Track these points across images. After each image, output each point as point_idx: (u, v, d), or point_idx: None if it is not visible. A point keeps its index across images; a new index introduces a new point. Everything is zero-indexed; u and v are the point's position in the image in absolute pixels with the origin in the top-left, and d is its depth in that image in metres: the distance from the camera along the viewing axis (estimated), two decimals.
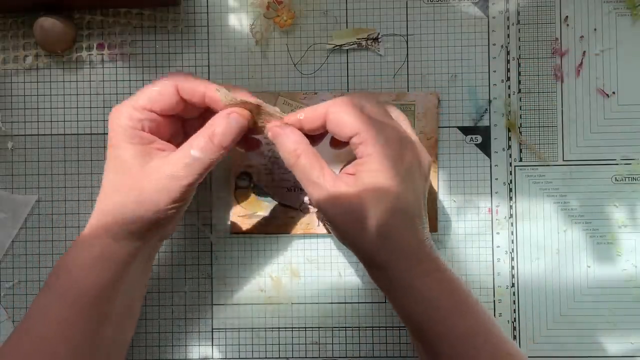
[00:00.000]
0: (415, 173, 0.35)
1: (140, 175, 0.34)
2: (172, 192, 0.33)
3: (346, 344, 0.44)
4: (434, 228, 0.43)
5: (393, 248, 0.34)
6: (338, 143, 0.38)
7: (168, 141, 0.36)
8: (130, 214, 0.34)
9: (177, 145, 0.35)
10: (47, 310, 0.34)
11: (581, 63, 0.43)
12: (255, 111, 0.35)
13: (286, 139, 0.35)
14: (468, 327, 0.34)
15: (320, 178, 0.34)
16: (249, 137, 0.39)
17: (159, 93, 0.35)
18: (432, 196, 0.43)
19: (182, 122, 0.38)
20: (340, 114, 0.34)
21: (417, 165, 0.35)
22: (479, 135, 0.43)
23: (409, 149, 0.35)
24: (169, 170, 0.33)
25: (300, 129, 0.36)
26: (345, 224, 0.34)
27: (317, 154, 0.35)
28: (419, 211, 0.35)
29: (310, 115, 0.35)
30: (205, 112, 0.37)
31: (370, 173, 0.33)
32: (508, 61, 0.43)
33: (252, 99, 0.35)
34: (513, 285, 0.43)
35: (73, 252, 0.34)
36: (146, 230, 0.34)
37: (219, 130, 0.34)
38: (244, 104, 0.35)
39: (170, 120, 0.37)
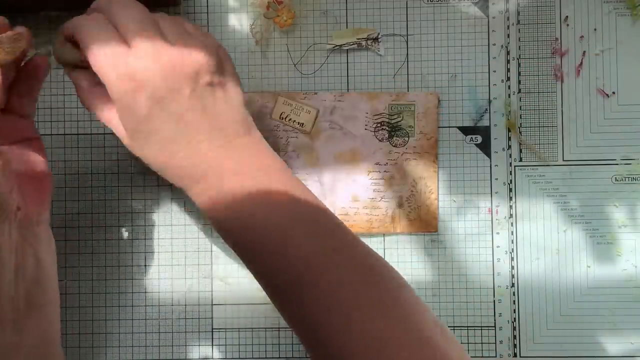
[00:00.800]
0: (160, 104, 0.32)
1: None
2: None
3: None
4: (434, 228, 0.43)
5: (174, 176, 0.34)
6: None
7: None
8: None
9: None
10: None
11: (581, 63, 0.43)
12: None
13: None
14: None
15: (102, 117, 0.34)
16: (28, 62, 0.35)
17: None
18: (432, 196, 0.43)
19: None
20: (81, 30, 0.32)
21: (160, 94, 0.32)
22: (479, 135, 0.43)
23: (147, 86, 0.32)
24: None
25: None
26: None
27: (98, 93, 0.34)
28: (188, 129, 0.33)
29: (67, 27, 0.33)
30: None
31: (117, 111, 0.33)
32: (508, 61, 0.43)
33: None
34: (513, 285, 0.43)
35: None
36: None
37: None
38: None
39: None
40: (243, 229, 0.33)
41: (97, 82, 0.33)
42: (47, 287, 0.35)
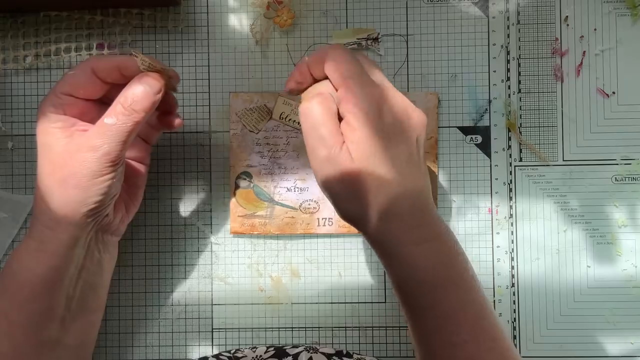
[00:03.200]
0: (401, 134, 0.34)
1: (64, 156, 0.34)
2: (91, 164, 0.33)
3: (346, 344, 0.44)
4: None
5: (384, 215, 0.33)
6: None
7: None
8: (58, 198, 0.34)
9: None
10: None
11: (581, 63, 0.43)
12: (167, 79, 0.36)
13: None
14: (456, 303, 0.33)
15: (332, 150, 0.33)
16: (167, 115, 0.38)
17: (74, 76, 0.35)
18: (432, 195, 0.43)
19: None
20: (333, 58, 0.34)
21: (407, 125, 0.34)
22: (479, 135, 0.43)
23: (392, 111, 0.34)
24: (87, 143, 0.34)
25: (312, 75, 0.36)
26: (337, 190, 0.34)
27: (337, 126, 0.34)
28: (418, 181, 0.34)
29: (313, 57, 0.35)
30: None
31: (356, 143, 0.33)
32: (508, 61, 0.43)
33: (165, 66, 0.36)
34: (513, 285, 0.43)
35: (17, 249, 0.35)
36: (77, 215, 0.34)
37: (130, 93, 0.34)
38: (159, 70, 0.35)
39: (95, 105, 0.36)
40: (429, 285, 0.34)
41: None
42: (100, 295, 0.39)
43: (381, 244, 0.34)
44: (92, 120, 0.36)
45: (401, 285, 0.34)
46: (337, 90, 0.34)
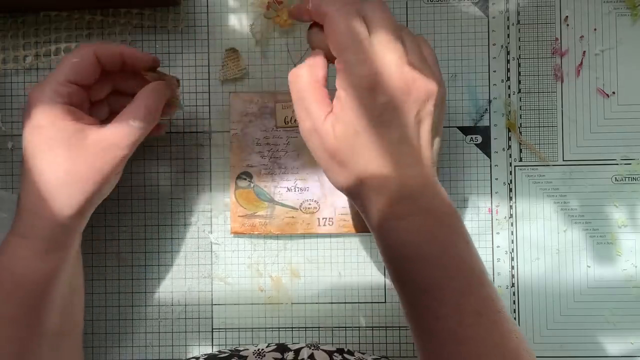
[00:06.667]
0: (394, 112, 0.32)
1: (78, 153, 0.34)
2: (116, 162, 0.34)
3: (346, 344, 0.44)
4: None
5: (370, 189, 0.33)
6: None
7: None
8: (74, 194, 0.34)
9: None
10: None
11: (581, 63, 0.43)
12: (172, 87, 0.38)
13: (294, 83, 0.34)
14: (436, 278, 0.32)
15: (313, 107, 0.33)
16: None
17: (80, 63, 0.35)
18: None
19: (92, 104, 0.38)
20: (330, 25, 0.32)
21: (397, 103, 0.32)
22: (479, 135, 0.43)
23: (388, 88, 0.32)
24: (111, 142, 0.34)
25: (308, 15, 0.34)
26: (324, 161, 0.33)
27: (323, 88, 0.34)
28: (409, 160, 0.32)
29: (313, 12, 0.33)
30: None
31: (342, 106, 0.32)
32: (508, 61, 0.43)
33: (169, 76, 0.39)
34: (513, 285, 0.43)
35: (11, 251, 0.34)
36: (87, 208, 0.35)
37: (151, 99, 0.35)
38: (165, 78, 0.38)
39: (86, 94, 0.37)
40: (420, 265, 0.32)
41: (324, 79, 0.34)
42: (81, 273, 0.39)
43: (367, 216, 0.34)
44: (83, 110, 0.36)
45: (387, 259, 0.34)
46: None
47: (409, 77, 0.32)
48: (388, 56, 0.32)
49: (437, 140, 0.34)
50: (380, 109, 0.31)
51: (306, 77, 0.33)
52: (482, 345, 0.31)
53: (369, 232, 0.42)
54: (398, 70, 0.31)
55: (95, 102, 0.38)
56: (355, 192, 0.33)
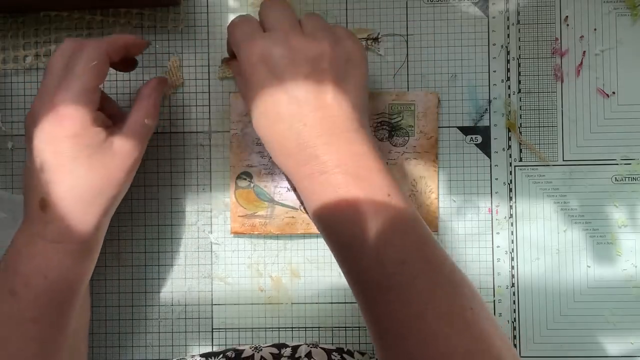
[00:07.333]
0: (288, 67, 0.34)
1: (112, 158, 0.35)
2: (135, 161, 0.36)
3: (346, 344, 0.44)
4: (434, 228, 0.43)
5: (277, 151, 0.35)
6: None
7: None
8: (106, 198, 0.35)
9: None
10: (14, 317, 0.34)
11: (581, 63, 0.43)
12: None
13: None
14: (361, 233, 0.32)
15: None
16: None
17: (102, 66, 0.35)
18: (433, 195, 0.43)
19: None
20: (231, 33, 0.37)
21: (292, 60, 0.34)
22: (479, 135, 0.43)
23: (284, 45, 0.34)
24: (132, 143, 0.36)
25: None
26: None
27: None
28: (300, 109, 0.34)
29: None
30: None
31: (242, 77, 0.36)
32: (508, 61, 0.43)
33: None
34: (513, 285, 0.43)
35: (43, 256, 0.34)
36: (112, 207, 0.37)
37: (156, 96, 0.37)
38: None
39: None
40: (340, 223, 0.33)
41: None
42: (89, 304, 0.41)
43: (290, 181, 0.36)
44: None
45: (316, 220, 0.35)
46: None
47: (293, 44, 0.34)
48: (272, 33, 0.35)
49: (352, 94, 0.35)
50: (264, 80, 0.34)
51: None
52: (407, 293, 0.31)
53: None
54: (284, 40, 0.34)
55: None
56: (275, 158, 0.36)
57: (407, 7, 0.44)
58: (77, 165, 0.34)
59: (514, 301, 0.43)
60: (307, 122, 0.34)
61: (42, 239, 0.34)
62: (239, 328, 0.44)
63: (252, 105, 0.35)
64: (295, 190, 0.42)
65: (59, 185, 0.34)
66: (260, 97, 0.34)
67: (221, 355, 0.40)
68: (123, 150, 0.35)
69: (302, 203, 0.43)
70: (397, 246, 0.32)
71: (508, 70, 0.43)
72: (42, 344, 0.34)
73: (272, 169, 0.43)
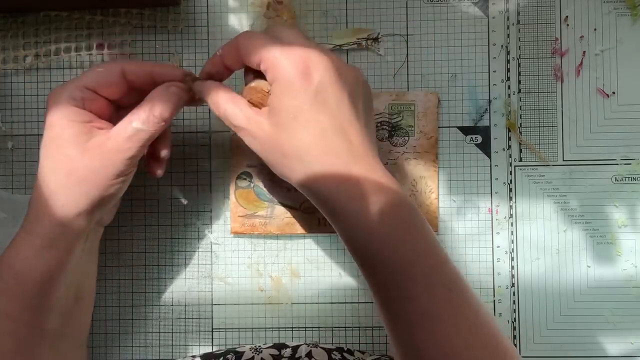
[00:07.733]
0: (327, 89, 0.33)
1: (83, 153, 0.34)
2: (117, 165, 0.34)
3: (346, 344, 0.44)
4: (434, 228, 0.43)
5: (314, 172, 0.33)
6: (251, 72, 0.37)
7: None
8: (72, 194, 0.34)
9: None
10: None
11: (581, 63, 0.43)
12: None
13: (207, 92, 0.36)
14: (404, 255, 0.32)
15: (238, 118, 0.34)
16: (156, 156, 0.39)
17: (104, 74, 0.35)
18: (433, 195, 0.43)
19: (117, 110, 0.38)
20: (247, 41, 0.34)
21: (331, 80, 0.33)
22: (479, 135, 0.43)
23: (319, 68, 0.33)
24: (111, 144, 0.34)
25: (225, 67, 0.36)
26: (265, 152, 0.34)
27: (235, 96, 0.35)
28: (341, 128, 0.33)
29: (226, 49, 0.35)
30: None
31: (276, 97, 0.33)
32: (508, 61, 0.43)
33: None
34: (513, 285, 0.43)
35: (15, 247, 0.34)
36: (90, 210, 0.34)
37: (159, 102, 0.35)
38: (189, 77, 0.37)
39: (110, 105, 0.37)
40: (377, 243, 0.33)
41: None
42: (92, 281, 0.40)
43: (323, 206, 0.34)
44: (105, 119, 0.36)
45: (353, 247, 0.34)
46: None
47: (340, 63, 0.34)
48: (310, 45, 0.33)
49: (371, 122, 0.35)
50: (314, 88, 0.32)
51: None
52: (455, 322, 0.31)
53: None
54: (325, 54, 0.33)
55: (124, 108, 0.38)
56: (302, 179, 0.33)
57: (407, 7, 0.44)
58: (44, 156, 0.34)
59: (514, 301, 0.43)
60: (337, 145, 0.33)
61: (21, 231, 0.35)
62: (239, 328, 0.44)
63: (289, 118, 0.33)
64: (295, 190, 0.42)
65: (37, 175, 0.35)
66: (308, 106, 0.33)
67: (221, 358, 0.40)
68: (100, 150, 0.34)
69: (302, 203, 0.43)
70: (444, 273, 0.32)
71: (508, 70, 0.43)
72: (17, 340, 0.34)
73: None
